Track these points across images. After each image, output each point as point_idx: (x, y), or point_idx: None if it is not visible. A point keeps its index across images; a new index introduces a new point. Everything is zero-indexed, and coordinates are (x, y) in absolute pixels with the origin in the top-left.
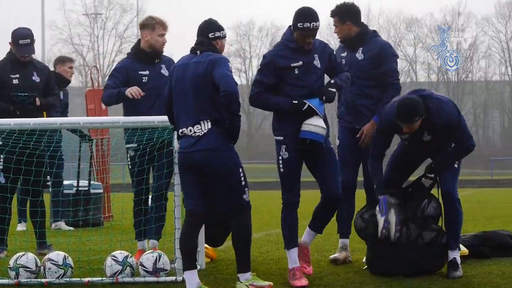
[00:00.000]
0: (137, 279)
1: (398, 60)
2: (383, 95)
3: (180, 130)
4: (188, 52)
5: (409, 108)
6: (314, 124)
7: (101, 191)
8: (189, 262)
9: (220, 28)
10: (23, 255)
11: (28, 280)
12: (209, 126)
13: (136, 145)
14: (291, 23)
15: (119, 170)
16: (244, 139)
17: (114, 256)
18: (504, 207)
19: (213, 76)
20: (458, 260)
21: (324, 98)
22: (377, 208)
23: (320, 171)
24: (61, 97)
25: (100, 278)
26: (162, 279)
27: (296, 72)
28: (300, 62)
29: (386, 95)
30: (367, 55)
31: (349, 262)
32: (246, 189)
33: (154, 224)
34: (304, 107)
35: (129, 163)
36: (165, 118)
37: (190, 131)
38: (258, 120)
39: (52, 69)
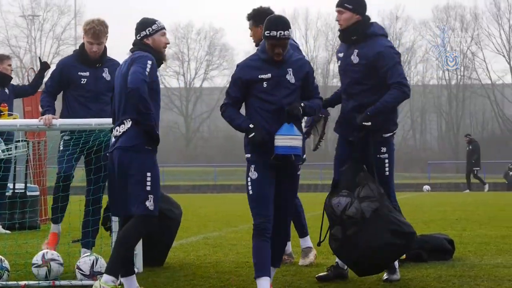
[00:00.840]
0: (74, 282)
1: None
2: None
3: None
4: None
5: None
6: (290, 135)
7: (37, 193)
8: (127, 268)
9: (146, 26)
10: None
11: None
12: (129, 125)
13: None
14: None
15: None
16: (182, 142)
17: None
18: (440, 210)
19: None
20: (396, 264)
21: (287, 114)
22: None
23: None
24: (7, 93)
25: (37, 282)
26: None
27: (265, 85)
28: (269, 75)
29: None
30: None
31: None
32: (151, 196)
33: (90, 227)
34: (250, 135)
35: (61, 146)
36: (101, 120)
37: (117, 131)
38: (196, 123)
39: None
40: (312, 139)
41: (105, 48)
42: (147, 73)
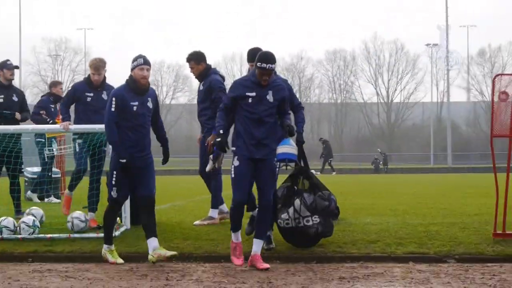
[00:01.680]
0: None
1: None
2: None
3: None
4: None
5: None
6: (290, 146)
7: (59, 175)
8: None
9: (132, 61)
10: (5, 219)
11: (9, 236)
12: None
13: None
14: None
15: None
16: (156, 141)
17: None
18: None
19: None
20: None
21: (287, 132)
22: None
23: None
24: (58, 108)
25: (58, 235)
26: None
27: (250, 100)
28: (254, 94)
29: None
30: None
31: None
32: (114, 188)
33: (95, 198)
34: (217, 139)
35: (77, 148)
36: (102, 126)
37: None
38: (166, 129)
39: (48, 90)
40: (212, 165)
41: (105, 77)
42: (112, 108)
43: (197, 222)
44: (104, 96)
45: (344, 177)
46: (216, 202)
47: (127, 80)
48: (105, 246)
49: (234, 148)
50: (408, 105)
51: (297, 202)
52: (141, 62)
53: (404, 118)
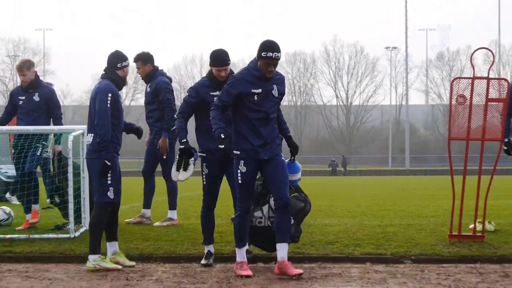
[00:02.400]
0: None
1: None
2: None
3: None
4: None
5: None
6: (299, 173)
7: None
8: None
9: (121, 59)
10: None
11: None
12: (91, 140)
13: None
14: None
15: None
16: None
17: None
18: None
19: (95, 105)
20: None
21: (294, 152)
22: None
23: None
24: None
25: (17, 235)
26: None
27: (255, 98)
28: (260, 90)
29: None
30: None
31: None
32: (112, 189)
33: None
34: (221, 144)
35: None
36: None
37: (87, 141)
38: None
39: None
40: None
41: (37, 77)
42: (108, 105)
43: (156, 224)
44: (35, 97)
45: (303, 179)
46: (174, 203)
47: (116, 78)
48: (94, 257)
49: (238, 152)
50: (367, 108)
51: (265, 208)
52: (127, 64)
53: (363, 120)
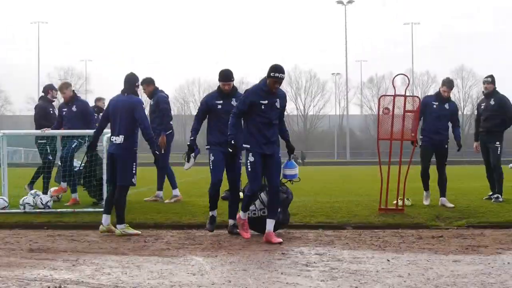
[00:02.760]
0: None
1: None
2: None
3: (111, 137)
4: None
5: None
6: (294, 168)
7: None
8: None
9: (137, 80)
10: (26, 197)
11: (29, 210)
12: (122, 139)
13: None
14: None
15: None
16: None
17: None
18: None
19: (134, 114)
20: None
21: (291, 154)
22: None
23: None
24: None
25: (65, 209)
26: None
27: (263, 107)
28: (266, 101)
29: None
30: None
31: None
32: (135, 175)
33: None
34: (230, 148)
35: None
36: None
37: (115, 140)
38: None
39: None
40: (190, 164)
41: (74, 93)
42: (147, 114)
43: (167, 201)
44: (74, 108)
45: None
46: (174, 182)
47: (135, 93)
48: (121, 226)
49: (248, 146)
50: (319, 117)
51: (262, 195)
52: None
53: (316, 126)
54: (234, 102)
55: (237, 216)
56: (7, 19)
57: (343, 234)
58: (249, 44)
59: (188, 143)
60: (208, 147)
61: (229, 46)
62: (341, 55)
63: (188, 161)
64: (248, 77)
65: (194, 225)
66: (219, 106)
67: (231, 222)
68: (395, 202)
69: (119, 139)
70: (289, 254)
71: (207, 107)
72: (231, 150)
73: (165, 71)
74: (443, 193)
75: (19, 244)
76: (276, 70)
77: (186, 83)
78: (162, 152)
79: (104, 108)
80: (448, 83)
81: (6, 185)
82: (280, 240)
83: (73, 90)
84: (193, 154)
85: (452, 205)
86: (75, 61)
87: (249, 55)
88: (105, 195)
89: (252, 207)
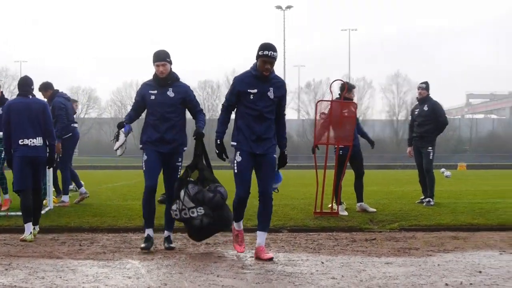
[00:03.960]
0: None
1: None
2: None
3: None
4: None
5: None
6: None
7: None
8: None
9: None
10: None
11: None
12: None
13: None
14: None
15: None
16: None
17: None
18: None
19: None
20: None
21: (281, 164)
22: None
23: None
24: None
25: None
26: None
27: (251, 97)
28: (256, 90)
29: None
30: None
31: None
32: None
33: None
34: (217, 151)
35: None
36: None
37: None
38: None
39: None
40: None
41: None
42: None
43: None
44: None
45: None
46: (67, 188)
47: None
48: (37, 227)
49: (234, 143)
50: None
51: (181, 193)
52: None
53: None
54: (171, 93)
55: (232, 227)
56: None
57: (278, 237)
58: (186, 47)
59: (217, 151)
60: (141, 146)
61: (167, 48)
62: (279, 60)
63: (117, 140)
64: (185, 80)
65: (130, 228)
66: (152, 97)
67: (166, 234)
68: (330, 205)
69: (37, 141)
70: (225, 257)
71: (141, 99)
72: (217, 151)
73: (103, 73)
74: (360, 198)
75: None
76: (266, 48)
77: (123, 86)
78: (60, 156)
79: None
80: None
81: None
82: (271, 255)
83: (1, 92)
84: (122, 129)
85: (373, 209)
86: (10, 61)
87: (187, 58)
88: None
89: (174, 206)
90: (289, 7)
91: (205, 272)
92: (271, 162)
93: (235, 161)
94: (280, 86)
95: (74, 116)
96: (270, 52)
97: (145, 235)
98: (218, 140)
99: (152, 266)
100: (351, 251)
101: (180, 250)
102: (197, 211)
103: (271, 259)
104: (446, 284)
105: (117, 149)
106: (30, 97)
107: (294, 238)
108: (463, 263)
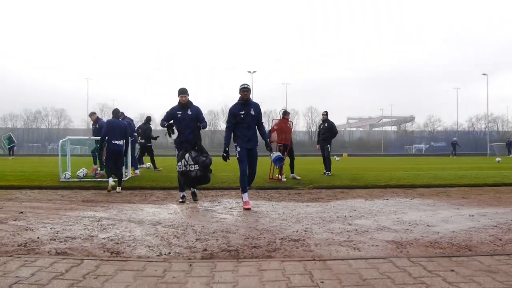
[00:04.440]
0: None
1: None
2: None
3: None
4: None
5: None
6: (278, 153)
7: None
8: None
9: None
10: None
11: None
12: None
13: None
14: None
15: None
16: None
17: None
18: None
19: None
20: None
21: (270, 150)
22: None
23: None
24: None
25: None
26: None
27: (242, 116)
28: (243, 112)
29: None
30: (256, 111)
31: None
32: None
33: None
34: (225, 155)
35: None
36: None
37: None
38: None
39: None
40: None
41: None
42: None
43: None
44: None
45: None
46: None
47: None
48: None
49: (236, 144)
50: None
51: (186, 155)
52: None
53: None
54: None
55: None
56: None
57: (250, 192)
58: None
59: (224, 154)
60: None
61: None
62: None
63: (173, 133)
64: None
65: (172, 187)
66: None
67: (192, 190)
68: (277, 175)
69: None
70: (221, 203)
71: (171, 116)
72: (224, 155)
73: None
74: (292, 171)
75: (76, 198)
76: (243, 84)
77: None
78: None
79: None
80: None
81: (69, 166)
82: (250, 206)
83: (97, 115)
84: (174, 127)
85: (299, 177)
86: (107, 99)
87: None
88: None
89: (179, 163)
90: (255, 71)
91: (210, 211)
92: (255, 154)
93: (237, 152)
94: (256, 106)
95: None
96: (245, 85)
97: (181, 195)
98: (227, 148)
99: (183, 208)
100: (288, 200)
101: (198, 203)
102: (194, 167)
103: (249, 209)
104: (338, 216)
105: (174, 138)
106: (119, 119)
107: (258, 193)
108: (346, 206)
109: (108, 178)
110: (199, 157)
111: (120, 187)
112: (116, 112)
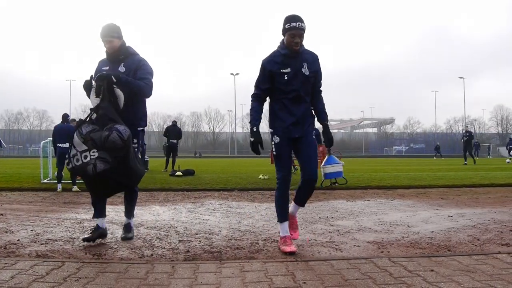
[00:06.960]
0: None
1: None
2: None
3: None
4: None
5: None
6: (337, 164)
7: None
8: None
9: None
10: None
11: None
12: None
13: None
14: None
15: None
16: None
17: None
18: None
19: None
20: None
21: (328, 143)
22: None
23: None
24: None
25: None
26: None
27: (286, 77)
28: (289, 69)
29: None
30: (311, 70)
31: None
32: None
33: None
34: (252, 139)
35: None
36: None
37: None
38: None
39: None
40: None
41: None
42: None
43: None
44: None
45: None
46: None
47: None
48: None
49: (271, 130)
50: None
51: (75, 135)
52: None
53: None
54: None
55: (279, 232)
56: None
57: (233, 193)
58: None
59: (252, 138)
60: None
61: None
62: (232, 114)
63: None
64: None
65: (154, 189)
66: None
67: (125, 221)
68: (260, 176)
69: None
70: (204, 204)
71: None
72: (252, 139)
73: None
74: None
75: (58, 200)
76: (292, 20)
77: None
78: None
79: None
80: None
81: (51, 167)
82: (293, 249)
83: None
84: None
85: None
86: None
87: None
88: None
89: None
90: (237, 74)
91: (194, 213)
92: (312, 142)
93: (273, 143)
94: (314, 60)
95: None
96: (298, 23)
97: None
98: (255, 128)
99: (165, 209)
100: (271, 201)
101: (179, 202)
102: (90, 155)
103: (293, 252)
104: (320, 217)
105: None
106: (65, 124)
107: (241, 194)
108: (328, 207)
109: (58, 183)
110: (95, 131)
111: (76, 186)
112: (64, 117)
